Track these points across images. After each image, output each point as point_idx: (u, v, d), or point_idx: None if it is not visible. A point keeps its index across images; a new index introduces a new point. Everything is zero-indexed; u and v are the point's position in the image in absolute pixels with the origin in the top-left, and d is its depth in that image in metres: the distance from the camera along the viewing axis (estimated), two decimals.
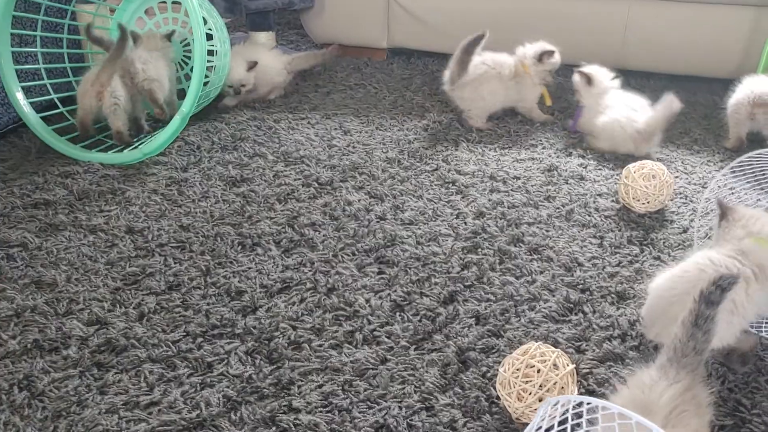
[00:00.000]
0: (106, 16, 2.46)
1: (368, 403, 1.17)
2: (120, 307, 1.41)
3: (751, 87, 2.11)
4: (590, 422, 0.82)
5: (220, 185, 1.91)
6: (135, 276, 1.51)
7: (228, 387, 1.20)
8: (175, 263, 1.55)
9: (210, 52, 2.28)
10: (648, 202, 1.76)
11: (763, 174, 1.55)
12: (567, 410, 0.92)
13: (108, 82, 2.04)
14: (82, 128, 2.08)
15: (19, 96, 2.06)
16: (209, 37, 2.25)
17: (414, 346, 1.31)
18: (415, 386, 1.21)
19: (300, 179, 1.95)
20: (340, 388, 1.21)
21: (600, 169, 2.04)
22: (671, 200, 1.82)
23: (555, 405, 0.79)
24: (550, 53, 2.33)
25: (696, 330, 1.00)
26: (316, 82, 2.75)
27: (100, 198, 1.83)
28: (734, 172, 1.54)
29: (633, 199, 1.77)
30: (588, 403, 0.75)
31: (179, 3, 2.42)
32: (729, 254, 1.23)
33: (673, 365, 1.00)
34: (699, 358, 1.01)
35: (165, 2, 2.48)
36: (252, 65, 2.42)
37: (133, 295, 1.44)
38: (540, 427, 0.77)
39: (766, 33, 2.45)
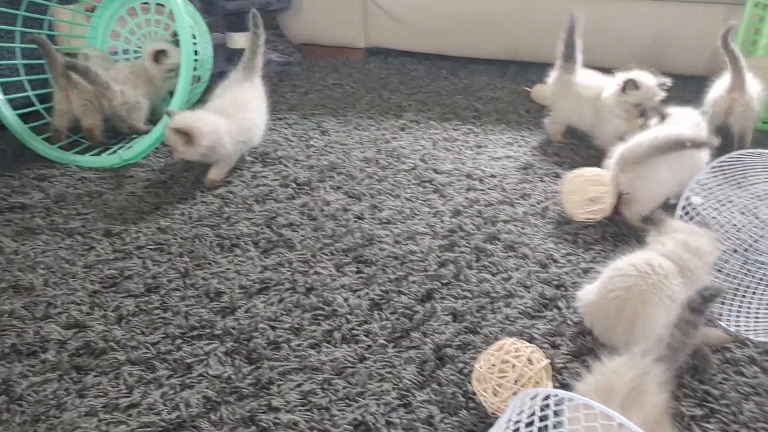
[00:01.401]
0: (83, 13, 2.45)
1: (347, 401, 1.19)
2: (98, 310, 1.41)
3: (727, 80, 2.14)
4: (559, 414, 0.85)
5: (198, 187, 1.91)
6: (113, 279, 1.51)
7: (207, 388, 1.21)
8: (153, 265, 1.56)
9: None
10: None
11: (744, 175, 1.59)
12: (536, 404, 0.94)
13: (69, 84, 2.06)
14: (56, 135, 2.10)
15: None
16: None
17: (392, 344, 1.33)
18: (393, 383, 1.22)
19: (278, 180, 1.96)
20: (319, 386, 1.22)
21: (575, 167, 2.07)
22: None
23: (525, 398, 0.81)
24: (633, 83, 2.00)
25: (675, 330, 1.05)
26: (294, 83, 2.76)
27: (77, 201, 1.82)
28: (714, 170, 1.58)
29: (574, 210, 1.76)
30: (555, 395, 0.77)
31: (162, 5, 2.42)
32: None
33: (641, 353, 1.03)
34: (670, 353, 1.04)
35: (148, 3, 2.47)
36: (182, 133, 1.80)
37: (112, 298, 1.44)
38: (510, 419, 0.79)
39: (735, 31, 2.49)
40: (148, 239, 1.65)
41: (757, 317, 1.41)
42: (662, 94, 2.03)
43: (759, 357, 1.30)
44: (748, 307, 1.44)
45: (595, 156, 2.12)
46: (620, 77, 2.06)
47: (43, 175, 1.95)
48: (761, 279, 1.53)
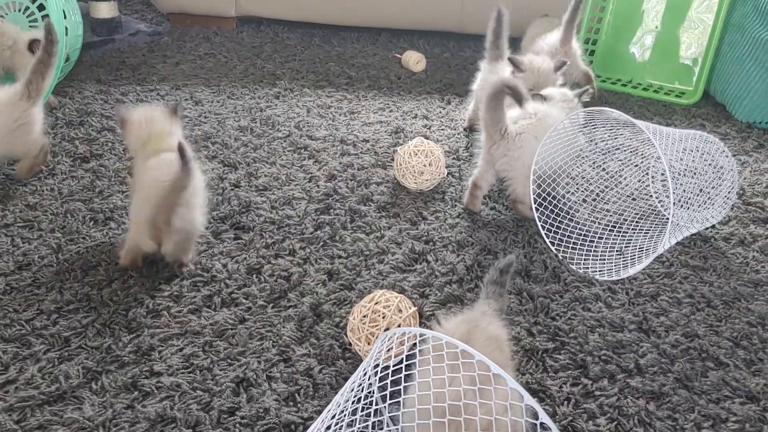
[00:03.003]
0: None
1: (228, 360, 1.23)
2: None
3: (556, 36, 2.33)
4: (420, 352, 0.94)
5: (67, 162, 1.86)
6: None
7: (87, 359, 1.22)
8: (23, 243, 1.52)
9: None
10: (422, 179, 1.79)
11: (592, 131, 1.73)
12: (403, 343, 1.03)
13: None
14: None
15: None
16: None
17: (271, 305, 1.38)
18: (273, 341, 1.28)
19: None
20: (201, 349, 1.26)
21: (442, 129, 2.18)
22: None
23: (385, 338, 0.89)
24: (516, 63, 1.93)
25: (487, 286, 1.18)
26: (164, 53, 2.70)
27: None
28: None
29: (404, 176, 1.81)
30: (409, 332, 0.85)
31: None
32: None
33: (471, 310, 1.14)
34: (490, 299, 1.16)
35: None
36: None
37: None
38: (373, 356, 0.87)
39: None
40: (15, 216, 1.61)
41: (603, 260, 1.57)
42: (558, 79, 1.98)
43: (603, 294, 1.45)
44: (595, 251, 1.60)
45: (456, 119, 2.24)
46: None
47: None
48: (606, 225, 1.70)
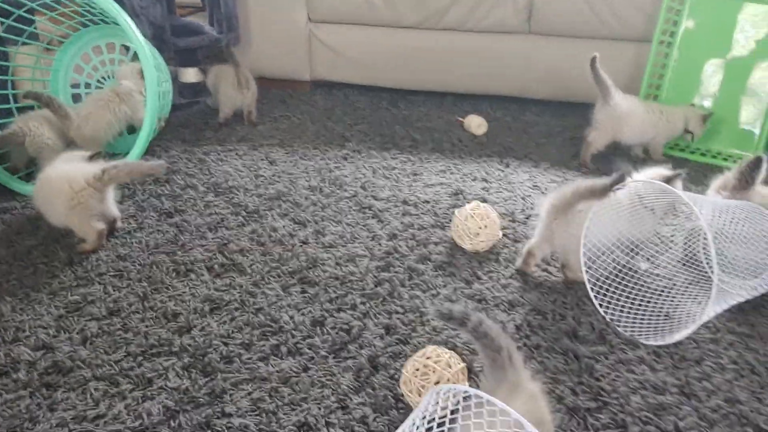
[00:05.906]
0: (48, 46, 2.57)
1: (292, 406, 1.35)
2: (64, 333, 1.54)
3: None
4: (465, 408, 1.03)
5: (154, 216, 2.06)
6: (77, 304, 1.64)
7: (167, 398, 1.36)
8: (114, 291, 1.70)
9: None
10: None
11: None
12: (449, 399, 1.12)
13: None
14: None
15: None
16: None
17: (332, 355, 1.49)
18: (333, 389, 1.39)
19: (229, 208, 2.12)
20: (267, 394, 1.38)
21: (500, 192, 2.29)
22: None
23: (433, 393, 0.99)
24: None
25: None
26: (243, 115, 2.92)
27: (38, 232, 1.95)
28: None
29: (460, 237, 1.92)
30: (455, 389, 0.95)
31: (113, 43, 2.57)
32: None
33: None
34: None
35: (113, 42, 2.61)
36: None
37: (76, 322, 1.58)
38: (423, 410, 0.97)
39: (644, 64, 2.76)
40: (108, 266, 1.79)
41: (649, 324, 1.62)
42: None
43: (648, 357, 1.51)
44: (643, 315, 1.66)
45: (514, 182, 2.34)
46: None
47: (5, 208, 2.07)
48: (655, 290, 1.75)
